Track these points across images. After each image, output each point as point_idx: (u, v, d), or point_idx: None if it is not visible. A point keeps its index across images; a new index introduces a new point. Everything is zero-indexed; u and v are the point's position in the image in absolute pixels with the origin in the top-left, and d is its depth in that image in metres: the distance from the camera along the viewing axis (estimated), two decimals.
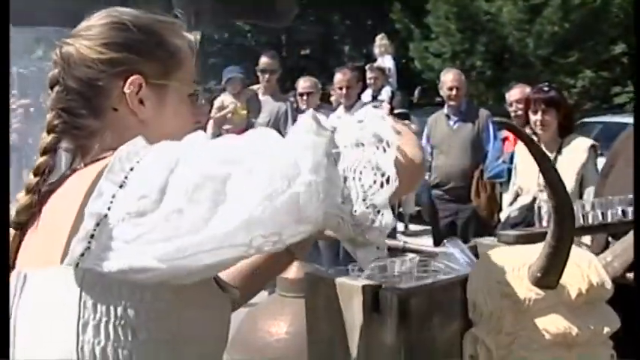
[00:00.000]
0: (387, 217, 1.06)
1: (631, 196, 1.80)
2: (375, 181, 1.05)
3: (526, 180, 4.43)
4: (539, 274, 1.29)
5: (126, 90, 1.20)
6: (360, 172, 1.05)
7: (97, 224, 1.00)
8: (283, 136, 1.06)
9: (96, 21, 1.23)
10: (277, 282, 2.21)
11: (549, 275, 1.29)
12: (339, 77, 6.14)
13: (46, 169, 1.19)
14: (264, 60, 6.40)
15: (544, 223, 1.89)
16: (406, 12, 14.42)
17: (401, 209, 8.58)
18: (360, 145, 1.07)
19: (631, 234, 1.49)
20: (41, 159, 1.19)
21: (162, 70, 1.23)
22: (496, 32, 13.15)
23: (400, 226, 8.58)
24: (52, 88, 1.23)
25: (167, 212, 0.98)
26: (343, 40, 22.33)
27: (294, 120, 6.22)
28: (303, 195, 0.98)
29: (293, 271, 2.13)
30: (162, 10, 2.77)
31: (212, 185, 0.98)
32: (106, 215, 1.00)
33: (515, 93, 5.65)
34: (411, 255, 1.57)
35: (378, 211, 1.06)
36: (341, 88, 6.08)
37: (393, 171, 1.06)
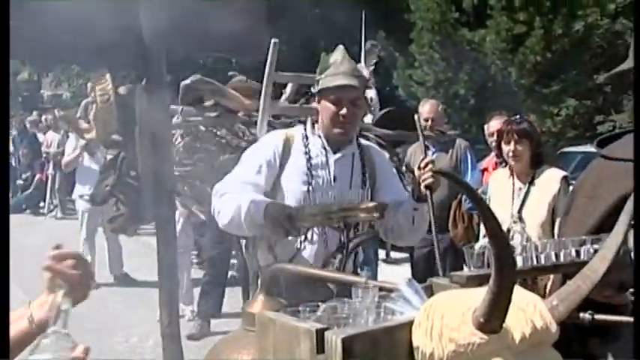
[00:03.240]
0: None
1: (584, 237, 1.83)
2: None
3: (500, 211, 4.43)
4: (482, 319, 1.31)
5: None
6: None
7: None
8: None
9: None
10: (242, 316, 2.21)
11: (492, 320, 1.30)
12: None
13: None
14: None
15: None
16: (390, 40, 14.49)
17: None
18: None
19: (578, 276, 1.51)
20: None
21: None
22: (479, 61, 13.23)
23: (382, 254, 8.58)
24: None
25: None
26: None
27: None
28: None
29: (258, 305, 2.13)
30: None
31: None
32: None
33: (494, 124, 5.66)
34: (360, 296, 1.58)
35: None
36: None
37: None
